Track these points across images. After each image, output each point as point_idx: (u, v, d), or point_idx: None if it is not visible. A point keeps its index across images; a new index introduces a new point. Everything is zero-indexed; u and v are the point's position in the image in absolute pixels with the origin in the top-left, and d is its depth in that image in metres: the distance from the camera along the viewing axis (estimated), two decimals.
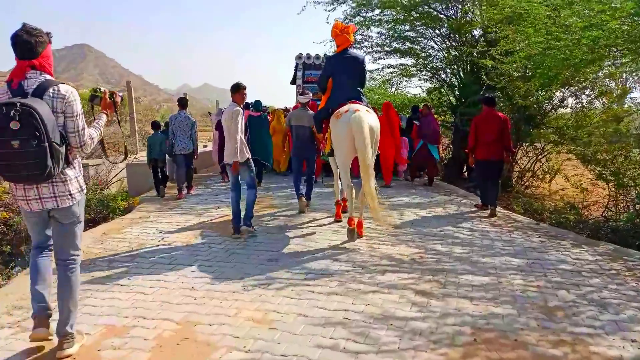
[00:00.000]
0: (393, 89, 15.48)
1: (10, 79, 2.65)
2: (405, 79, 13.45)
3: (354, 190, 5.61)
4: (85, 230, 5.17)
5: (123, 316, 3.33)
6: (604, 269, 4.37)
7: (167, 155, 8.32)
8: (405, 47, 12.16)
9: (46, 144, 2.47)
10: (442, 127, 13.03)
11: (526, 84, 8.31)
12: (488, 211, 6.73)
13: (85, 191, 2.94)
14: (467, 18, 10.96)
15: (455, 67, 11.99)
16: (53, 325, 2.87)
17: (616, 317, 3.31)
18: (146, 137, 10.20)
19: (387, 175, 8.98)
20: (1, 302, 3.63)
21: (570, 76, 7.89)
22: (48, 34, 2.69)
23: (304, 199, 6.86)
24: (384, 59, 12.76)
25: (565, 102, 10.21)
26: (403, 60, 12.84)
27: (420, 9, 11.05)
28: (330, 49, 11.91)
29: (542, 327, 3.14)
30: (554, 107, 10.29)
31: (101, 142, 3.11)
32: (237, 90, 5.50)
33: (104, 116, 3.03)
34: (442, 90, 13.11)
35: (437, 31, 11.83)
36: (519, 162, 10.79)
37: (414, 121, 10.16)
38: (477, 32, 11.16)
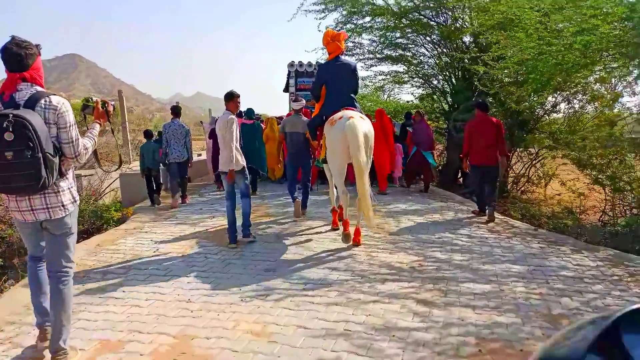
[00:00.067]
0: (385, 96, 15.52)
1: (1, 91, 2.64)
2: (397, 85, 13.47)
3: (348, 196, 5.56)
4: (78, 241, 5.06)
5: (118, 330, 3.24)
6: (606, 275, 4.33)
7: (160, 165, 8.26)
8: (397, 54, 12.20)
9: (40, 154, 2.47)
10: (436, 133, 13.05)
11: (519, 89, 8.32)
12: (485, 217, 6.70)
13: (78, 202, 2.91)
14: (458, 25, 11.02)
15: (447, 73, 12.03)
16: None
17: None
18: (139, 146, 10.12)
19: (382, 182, 8.94)
20: None
21: (562, 81, 7.93)
22: (37, 45, 2.69)
23: (298, 201, 6.83)
24: (375, 66, 12.81)
25: (557, 107, 10.26)
26: (395, 67, 12.89)
27: (410, 16, 11.09)
28: (321, 56, 11.92)
29: (548, 336, 3.07)
30: (547, 112, 10.33)
31: (94, 151, 3.09)
32: (231, 98, 5.47)
33: (97, 126, 3.02)
34: (435, 96, 13.14)
35: (428, 38, 11.87)
36: (513, 167, 10.80)
37: (408, 128, 10.16)
38: (467, 39, 11.21)
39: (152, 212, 7.56)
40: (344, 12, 11.47)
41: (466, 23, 10.83)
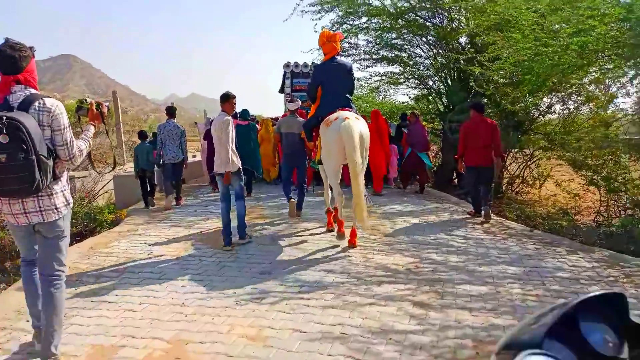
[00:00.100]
0: (380, 97, 15.51)
1: None
2: (392, 86, 13.46)
3: (343, 198, 5.56)
4: (71, 244, 5.01)
5: (111, 335, 3.19)
6: (602, 276, 4.32)
7: (155, 166, 8.21)
8: (393, 54, 12.19)
9: (33, 157, 2.47)
10: (431, 134, 13.06)
11: (515, 90, 8.33)
12: (481, 218, 6.71)
13: (71, 205, 2.90)
14: (454, 26, 11.02)
15: (443, 74, 12.03)
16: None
17: None
18: (133, 147, 10.05)
19: (377, 183, 8.92)
20: None
21: (558, 82, 7.95)
22: (31, 48, 2.69)
23: (293, 201, 6.82)
24: (371, 66, 12.78)
25: (552, 108, 10.29)
26: (390, 68, 12.88)
27: (406, 16, 11.08)
28: (317, 57, 11.89)
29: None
30: (542, 113, 10.35)
31: (88, 153, 3.07)
32: (227, 99, 5.44)
33: (92, 127, 3.02)
34: (430, 97, 13.15)
35: (424, 39, 11.86)
36: (508, 168, 10.82)
37: (403, 129, 10.15)
38: (463, 40, 11.22)
39: (146, 214, 7.50)
40: (340, 13, 11.44)
41: (462, 24, 10.84)
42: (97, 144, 13.61)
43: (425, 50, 12.20)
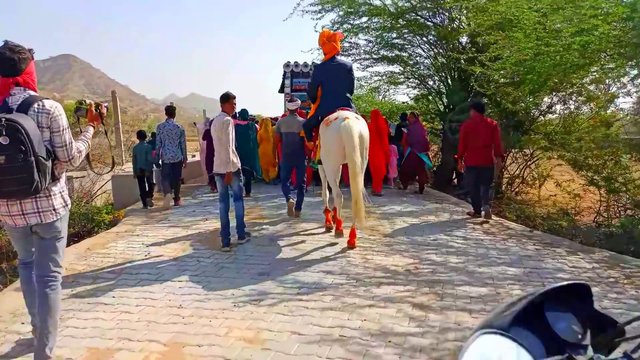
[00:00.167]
0: (380, 97, 15.47)
1: None
2: (392, 86, 13.43)
3: (342, 198, 5.55)
4: (68, 245, 4.99)
5: (107, 338, 3.15)
6: (602, 277, 4.29)
7: (154, 166, 8.19)
8: (393, 54, 12.16)
9: (32, 158, 2.48)
10: (431, 134, 13.03)
11: (516, 90, 8.29)
12: (481, 218, 6.68)
13: (69, 206, 2.90)
14: (454, 25, 10.99)
15: (443, 74, 12.00)
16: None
17: None
18: (132, 147, 10.02)
19: (377, 183, 8.89)
20: None
21: (559, 81, 7.91)
22: (30, 50, 2.71)
23: (292, 201, 6.82)
24: (371, 66, 12.75)
25: (553, 107, 10.26)
26: (391, 68, 12.86)
27: (407, 16, 11.05)
28: (317, 57, 11.86)
29: None
30: (542, 113, 10.32)
31: (87, 154, 3.04)
32: (227, 100, 5.42)
33: (91, 129, 3.03)
34: (430, 97, 13.11)
35: (424, 38, 11.83)
36: (508, 168, 10.79)
37: (403, 129, 10.12)
38: (464, 39, 11.19)
39: (144, 215, 7.47)
40: (341, 13, 11.41)
41: (463, 24, 10.80)
42: (96, 144, 13.55)
43: (425, 50, 12.18)
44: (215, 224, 6.40)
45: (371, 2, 11.16)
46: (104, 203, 8.79)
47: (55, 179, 2.71)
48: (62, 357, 2.84)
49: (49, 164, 2.60)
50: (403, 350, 2.90)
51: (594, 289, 3.97)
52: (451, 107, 11.45)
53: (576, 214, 8.01)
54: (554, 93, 9.45)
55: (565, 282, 0.90)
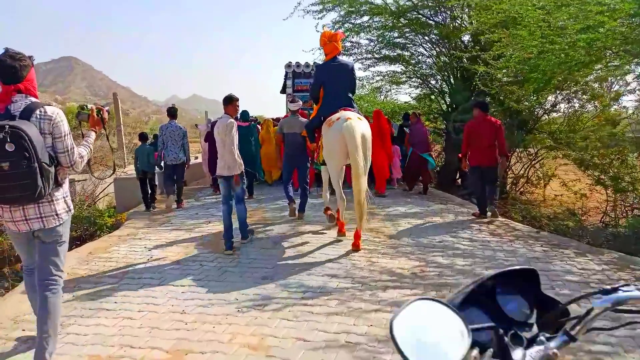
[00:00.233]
0: (382, 97, 15.37)
1: None
2: (394, 86, 13.35)
3: (345, 201, 5.54)
4: (71, 249, 4.94)
5: (109, 345, 3.09)
6: (612, 280, 4.21)
7: (156, 168, 8.16)
8: (395, 53, 12.08)
9: (36, 164, 2.51)
10: (434, 134, 12.95)
11: (520, 89, 8.21)
12: (486, 219, 6.61)
13: (72, 211, 2.91)
14: (456, 24, 10.91)
15: (446, 73, 11.91)
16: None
17: (632, 332, 3.14)
18: (134, 149, 9.98)
19: (380, 184, 8.82)
20: None
21: (563, 80, 7.83)
22: (30, 57, 2.73)
23: (294, 205, 6.82)
24: (373, 66, 12.65)
25: (557, 106, 10.17)
26: (392, 67, 12.76)
27: (409, 15, 10.98)
28: (319, 56, 11.79)
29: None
30: (546, 111, 10.23)
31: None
32: (230, 102, 5.37)
33: (93, 134, 3.06)
34: (432, 96, 13.02)
35: (426, 37, 11.75)
36: (512, 167, 10.70)
37: (405, 129, 10.05)
38: (467, 38, 11.10)
39: (146, 218, 7.42)
40: (342, 12, 11.34)
41: (465, 22, 10.72)
42: (98, 147, 13.53)
43: (427, 49, 12.10)
44: (218, 227, 6.34)
45: (372, 1, 11.08)
46: (107, 206, 8.74)
47: (58, 184, 2.73)
48: None
49: (52, 169, 2.63)
50: None
51: None
52: (454, 106, 11.37)
53: (583, 214, 7.92)
54: (558, 91, 9.36)
55: (514, 267, 0.99)
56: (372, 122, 8.33)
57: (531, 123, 9.89)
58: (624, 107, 9.72)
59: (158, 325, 3.37)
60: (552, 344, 0.84)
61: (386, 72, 12.74)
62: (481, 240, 5.63)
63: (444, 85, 12.34)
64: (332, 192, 6.27)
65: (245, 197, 6.07)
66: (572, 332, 0.85)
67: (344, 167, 5.67)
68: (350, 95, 5.59)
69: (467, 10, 10.49)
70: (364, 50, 12.19)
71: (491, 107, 9.03)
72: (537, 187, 10.42)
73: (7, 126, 2.44)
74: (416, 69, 12.27)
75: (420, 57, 12.24)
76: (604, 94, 9.40)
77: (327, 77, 5.53)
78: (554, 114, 10.39)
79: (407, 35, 11.67)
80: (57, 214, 2.74)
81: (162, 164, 8.04)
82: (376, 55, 12.18)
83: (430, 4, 10.77)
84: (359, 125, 5.05)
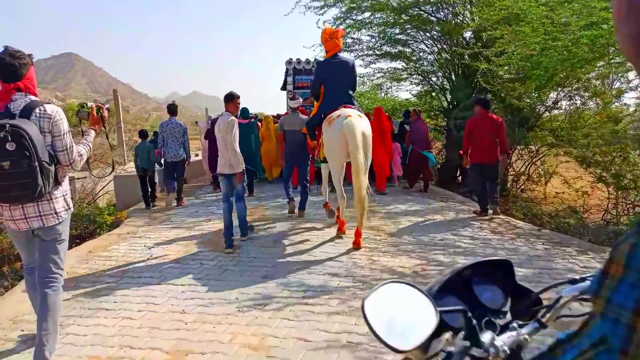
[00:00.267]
0: (383, 94, 15.30)
1: None
2: (395, 83, 13.29)
3: (346, 199, 5.52)
4: (70, 247, 4.91)
5: (108, 346, 3.08)
6: None
7: (156, 165, 8.13)
8: (396, 50, 12.01)
9: (36, 163, 2.51)
10: (435, 131, 12.90)
11: (522, 86, 8.17)
12: (487, 217, 6.58)
13: (72, 210, 2.91)
14: (458, 20, 10.85)
15: (447, 70, 11.85)
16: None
17: None
18: (134, 147, 9.95)
19: (381, 181, 8.78)
20: None
21: (565, 77, 7.78)
22: (30, 55, 2.73)
23: (294, 203, 6.81)
24: (374, 63, 12.59)
25: (558, 103, 10.13)
26: (394, 64, 12.70)
27: (410, 11, 10.92)
28: (319, 53, 11.73)
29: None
30: (548, 108, 10.19)
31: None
32: (231, 99, 5.36)
33: (93, 132, 3.06)
34: (434, 93, 12.97)
35: (427, 34, 11.69)
36: (513, 165, 10.66)
37: (406, 126, 10.00)
38: (468, 34, 11.04)
39: (146, 216, 7.39)
40: (343, 8, 11.29)
41: (467, 19, 10.67)
42: (98, 144, 13.49)
43: (429, 46, 12.04)
44: (218, 225, 6.32)
45: None
46: (106, 204, 8.71)
47: (57, 183, 2.73)
48: None
49: (52, 168, 2.64)
50: None
51: None
52: (455, 103, 11.31)
53: (584, 211, 7.89)
54: (559, 88, 9.31)
55: (490, 258, 1.04)
56: (373, 119, 8.29)
57: (532, 120, 9.85)
58: (625, 104, 9.70)
59: (158, 325, 3.35)
60: (524, 330, 0.88)
61: (387, 68, 12.67)
62: (482, 239, 5.61)
63: (445, 82, 12.29)
64: (332, 189, 6.27)
65: (246, 195, 6.05)
66: (543, 320, 0.90)
67: (345, 164, 5.65)
68: (350, 92, 5.58)
69: (469, 6, 10.44)
70: (365, 47, 12.14)
71: (492, 104, 8.99)
72: (538, 185, 10.39)
73: (8, 125, 2.44)
74: (417, 65, 12.21)
75: (421, 54, 12.19)
76: (606, 91, 9.35)
77: (327, 74, 5.51)
78: (556, 111, 10.36)
79: (409, 31, 11.62)
80: (56, 213, 2.74)
81: (162, 161, 8.01)
82: (377, 52, 12.12)
83: (432, 0, 10.71)
84: (359, 123, 5.03)
